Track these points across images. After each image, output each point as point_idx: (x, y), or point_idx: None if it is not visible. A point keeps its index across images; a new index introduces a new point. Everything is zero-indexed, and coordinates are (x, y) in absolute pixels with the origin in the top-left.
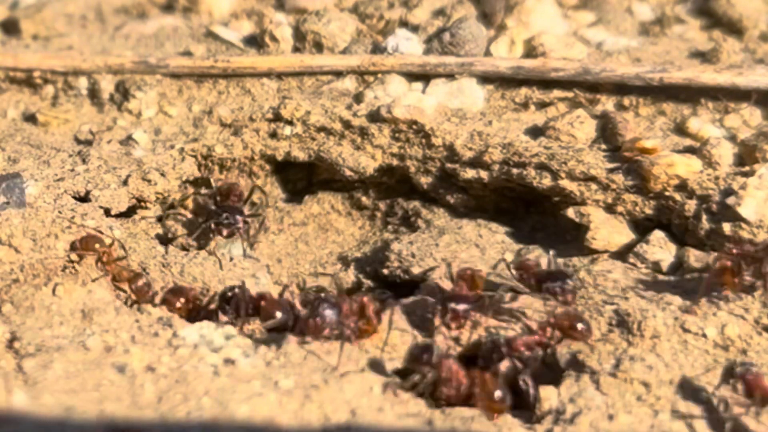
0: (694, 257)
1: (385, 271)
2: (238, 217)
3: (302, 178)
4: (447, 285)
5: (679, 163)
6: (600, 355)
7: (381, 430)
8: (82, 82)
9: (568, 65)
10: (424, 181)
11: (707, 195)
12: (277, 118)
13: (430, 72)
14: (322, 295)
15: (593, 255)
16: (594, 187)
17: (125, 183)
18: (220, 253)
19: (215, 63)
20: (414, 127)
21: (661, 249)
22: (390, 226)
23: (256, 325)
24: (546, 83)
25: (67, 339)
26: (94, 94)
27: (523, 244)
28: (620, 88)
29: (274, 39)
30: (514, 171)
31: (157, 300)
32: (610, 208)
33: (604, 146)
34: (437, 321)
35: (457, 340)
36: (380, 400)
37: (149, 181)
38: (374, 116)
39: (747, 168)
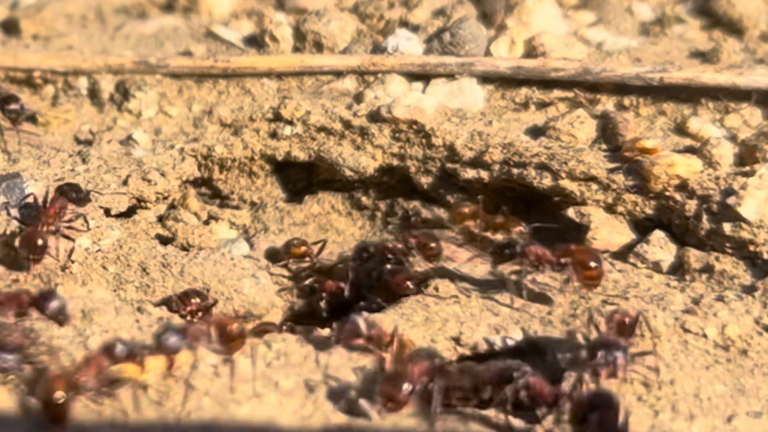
0: (695, 257)
1: None
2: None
3: (302, 178)
4: None
5: (680, 163)
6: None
7: (381, 430)
8: (82, 82)
9: (569, 65)
10: (425, 181)
11: (708, 195)
12: (277, 118)
13: (430, 72)
14: None
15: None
16: (594, 187)
17: (125, 183)
18: (221, 253)
19: (215, 63)
20: (414, 127)
21: (661, 249)
22: (390, 226)
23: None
24: (546, 83)
25: (67, 339)
26: (94, 94)
27: None
28: (620, 88)
29: (274, 39)
30: (515, 171)
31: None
32: (610, 208)
33: (604, 146)
34: None
35: None
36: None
37: (149, 181)
38: (374, 116)
39: (747, 168)
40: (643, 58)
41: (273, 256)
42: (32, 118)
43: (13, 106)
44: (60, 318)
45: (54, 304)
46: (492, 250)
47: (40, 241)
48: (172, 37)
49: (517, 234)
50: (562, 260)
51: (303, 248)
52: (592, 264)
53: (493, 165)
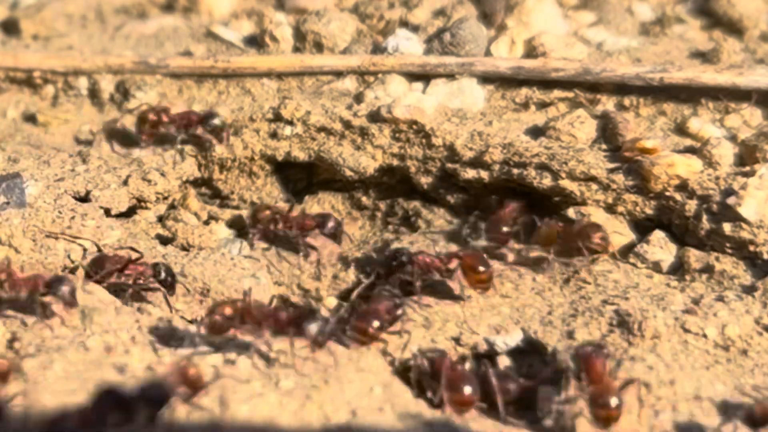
0: (695, 257)
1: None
2: None
3: (302, 178)
4: None
5: (680, 163)
6: None
7: (381, 430)
8: (82, 82)
9: (569, 65)
10: (425, 181)
11: (708, 195)
12: (278, 118)
13: (431, 72)
14: None
15: (593, 255)
16: (594, 187)
17: (125, 183)
18: (220, 253)
19: (215, 63)
20: (414, 127)
21: (661, 249)
22: (390, 226)
23: None
24: (546, 83)
25: (67, 339)
26: (94, 94)
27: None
28: (621, 88)
29: (274, 39)
30: (515, 171)
31: None
32: (610, 208)
33: (604, 146)
34: None
35: None
36: (380, 401)
37: (149, 181)
38: (374, 116)
39: (747, 168)
40: (643, 58)
41: (243, 227)
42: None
43: (216, 121)
44: (318, 340)
45: (313, 327)
46: (382, 263)
47: (107, 265)
48: (172, 37)
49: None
50: (451, 266)
51: (267, 212)
52: (481, 268)
53: (493, 165)
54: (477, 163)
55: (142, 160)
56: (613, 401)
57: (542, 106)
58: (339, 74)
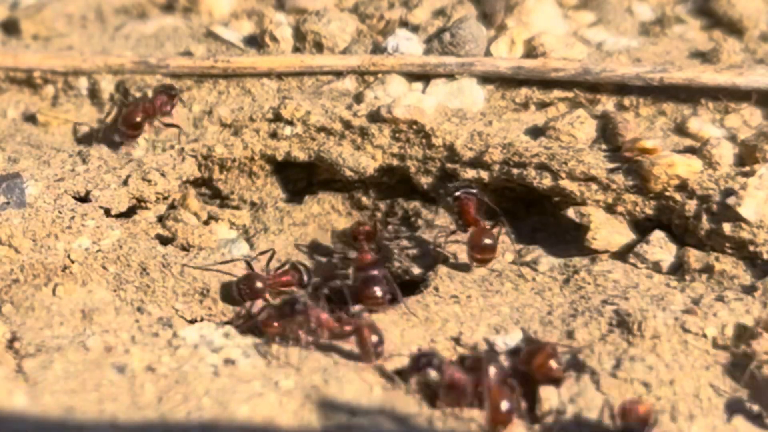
0: (695, 257)
1: None
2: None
3: (302, 178)
4: None
5: (680, 163)
6: (600, 355)
7: (381, 430)
8: (82, 82)
9: (569, 65)
10: (425, 181)
11: (707, 195)
12: (277, 118)
13: (431, 72)
14: None
15: (593, 255)
16: (594, 187)
17: (125, 183)
18: (220, 253)
19: (215, 63)
20: (414, 127)
21: (661, 249)
22: (390, 227)
23: None
24: (546, 83)
25: (67, 339)
26: (94, 94)
27: (523, 244)
28: (620, 88)
29: (274, 39)
30: (515, 171)
31: None
32: (610, 209)
33: (604, 146)
34: None
35: None
36: (380, 401)
37: (149, 181)
38: (374, 116)
39: (747, 168)
40: (643, 58)
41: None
42: None
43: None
44: None
45: None
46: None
47: (258, 283)
48: (172, 37)
49: None
50: None
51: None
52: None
53: (493, 165)
54: (477, 163)
55: (142, 160)
56: (487, 241)
57: (542, 106)
58: (339, 74)
